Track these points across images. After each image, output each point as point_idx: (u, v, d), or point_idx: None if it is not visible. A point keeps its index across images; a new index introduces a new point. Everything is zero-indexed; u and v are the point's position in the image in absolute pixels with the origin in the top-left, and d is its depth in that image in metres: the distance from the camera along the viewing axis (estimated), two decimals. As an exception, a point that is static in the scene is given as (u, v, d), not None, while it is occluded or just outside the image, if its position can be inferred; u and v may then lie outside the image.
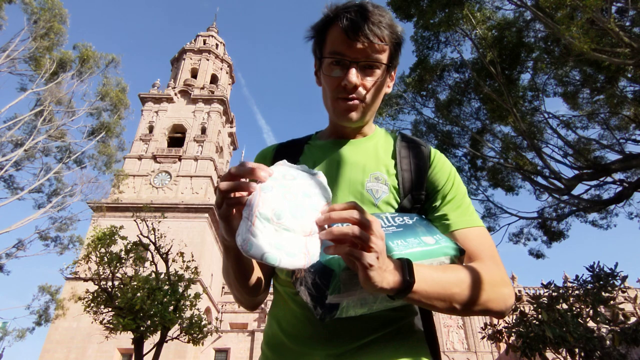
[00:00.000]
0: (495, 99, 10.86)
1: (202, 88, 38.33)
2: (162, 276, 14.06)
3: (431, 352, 0.91)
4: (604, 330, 8.57)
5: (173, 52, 49.51)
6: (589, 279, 8.91)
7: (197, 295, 14.41)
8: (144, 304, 12.50)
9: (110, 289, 13.45)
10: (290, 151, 1.06)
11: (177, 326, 14.01)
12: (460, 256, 0.82)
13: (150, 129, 35.27)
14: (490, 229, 12.77)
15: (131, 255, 14.42)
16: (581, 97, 12.52)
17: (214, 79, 41.16)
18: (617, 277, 8.66)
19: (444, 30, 11.00)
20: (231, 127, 41.92)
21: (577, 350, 8.41)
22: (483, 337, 10.49)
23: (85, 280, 13.73)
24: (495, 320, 16.16)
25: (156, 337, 13.61)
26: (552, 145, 12.55)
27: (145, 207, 17.90)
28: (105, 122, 19.62)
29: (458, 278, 0.76)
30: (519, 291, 27.52)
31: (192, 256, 16.05)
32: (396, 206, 0.94)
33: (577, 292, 9.01)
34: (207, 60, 40.92)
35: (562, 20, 7.97)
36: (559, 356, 9.05)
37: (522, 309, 10.14)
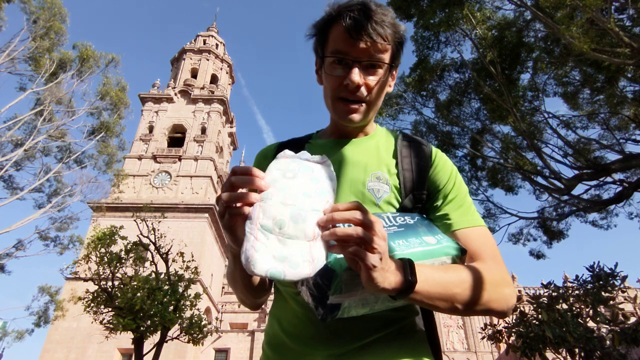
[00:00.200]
0: (496, 99, 10.85)
1: (202, 88, 38.33)
2: (162, 276, 14.06)
3: (433, 352, 0.91)
4: (604, 330, 8.57)
5: (173, 52, 49.55)
6: (589, 279, 8.91)
7: (197, 295, 14.41)
8: (144, 304, 12.50)
9: (110, 289, 13.45)
10: (291, 150, 1.05)
11: (177, 326, 14.01)
12: (462, 256, 0.82)
13: (150, 129, 35.27)
14: (490, 230, 12.63)
15: (131, 255, 14.42)
16: (581, 97, 12.51)
17: (214, 79, 41.16)
18: (617, 277, 8.66)
19: (444, 30, 10.99)
20: (231, 127, 41.92)
21: (577, 350, 8.41)
22: (483, 337, 10.49)
23: (85, 280, 13.73)
24: (495, 320, 16.16)
25: (156, 337, 13.61)
26: (552, 145, 12.55)
27: (145, 207, 17.91)
28: (105, 122, 19.61)
29: (460, 278, 0.76)
30: (519, 291, 27.54)
31: (192, 256, 16.04)
32: (397, 206, 0.93)
33: (577, 292, 9.01)
34: (207, 60, 40.93)
35: (562, 20, 7.97)
36: (559, 356, 9.05)
37: (522, 309, 10.14)
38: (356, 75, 0.87)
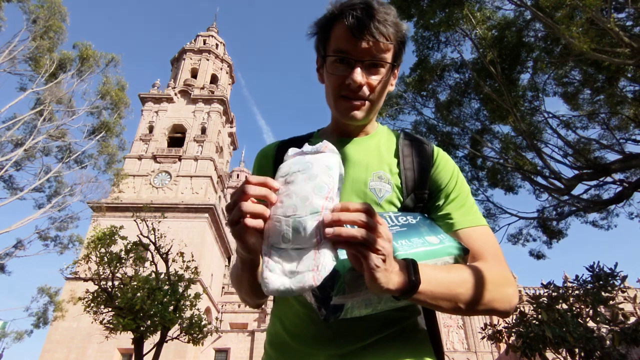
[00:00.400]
0: (496, 99, 10.85)
1: (202, 88, 38.33)
2: (162, 276, 14.06)
3: (435, 352, 0.90)
4: (604, 330, 8.57)
5: (173, 52, 49.56)
6: (589, 279, 8.91)
7: (197, 295, 14.41)
8: (144, 304, 12.50)
9: (110, 289, 13.45)
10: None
11: (177, 326, 14.01)
12: (464, 255, 0.81)
13: (150, 129, 35.27)
14: (490, 230, 12.67)
15: (131, 255, 14.42)
16: (581, 97, 12.51)
17: (214, 79, 41.16)
18: (617, 277, 8.67)
19: (444, 30, 10.99)
20: (231, 127, 41.92)
21: (577, 350, 8.41)
22: (483, 337, 10.50)
23: (85, 280, 13.73)
24: (495, 320, 16.16)
25: (156, 337, 13.61)
26: (552, 145, 12.55)
27: (145, 207, 17.90)
28: (105, 121, 19.61)
29: (462, 278, 0.75)
30: (519, 291, 27.55)
31: (192, 256, 16.05)
32: (399, 205, 0.93)
33: (577, 292, 9.01)
34: (207, 60, 40.93)
35: (562, 20, 7.97)
36: (559, 356, 9.06)
37: (522, 309, 10.15)
38: (358, 75, 0.86)
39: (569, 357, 8.72)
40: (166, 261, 14.57)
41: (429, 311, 0.95)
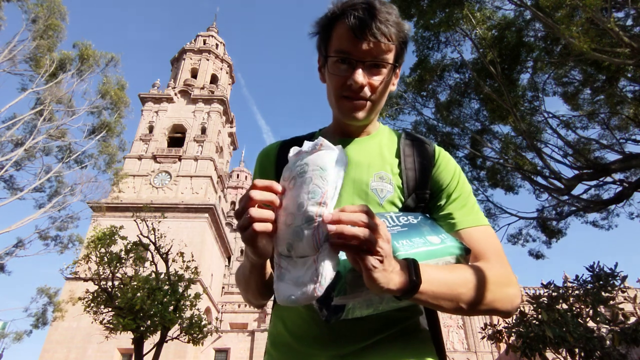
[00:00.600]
0: (496, 99, 10.85)
1: (202, 88, 38.34)
2: (162, 276, 14.06)
3: (437, 351, 0.90)
4: (604, 330, 8.57)
5: (173, 52, 49.55)
6: (589, 279, 8.91)
7: (197, 295, 14.42)
8: (144, 304, 12.51)
9: (110, 289, 13.46)
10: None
11: (177, 326, 14.02)
12: (466, 255, 0.81)
13: (150, 129, 35.28)
14: (490, 230, 12.67)
15: (131, 255, 14.43)
16: (581, 97, 12.50)
17: (214, 79, 41.17)
18: (617, 277, 8.66)
19: (444, 31, 10.98)
20: (231, 127, 41.92)
21: (577, 350, 8.41)
22: (483, 337, 10.49)
23: (85, 280, 13.74)
24: (495, 320, 16.16)
25: (156, 337, 13.61)
26: (552, 145, 12.54)
27: (145, 207, 17.91)
28: (105, 121, 19.61)
29: (464, 278, 0.75)
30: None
31: (192, 256, 16.06)
32: (400, 205, 0.93)
33: (577, 292, 9.01)
34: (207, 60, 40.94)
35: (562, 19, 7.96)
36: (559, 356, 9.06)
37: (522, 309, 10.15)
38: (360, 75, 0.86)
39: (569, 357, 8.72)
40: (166, 261, 14.57)
41: (431, 311, 0.95)
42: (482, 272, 0.78)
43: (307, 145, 0.73)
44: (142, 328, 12.55)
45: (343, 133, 1.03)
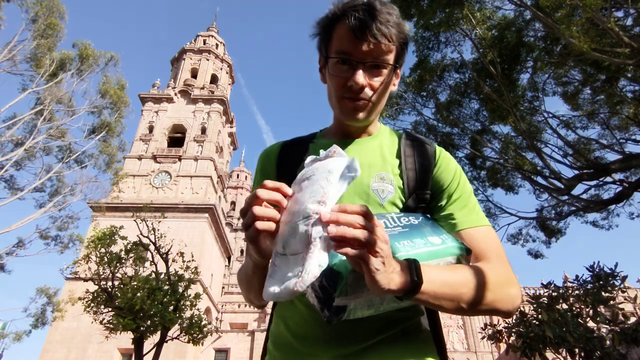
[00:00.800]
0: (496, 99, 10.85)
1: (202, 88, 38.34)
2: (162, 276, 14.07)
3: (438, 352, 0.91)
4: (604, 330, 8.57)
5: (173, 52, 49.58)
6: (589, 279, 8.91)
7: (197, 295, 14.42)
8: (144, 304, 12.51)
9: (110, 289, 13.46)
10: (295, 150, 1.05)
11: (177, 326, 14.02)
12: (467, 256, 0.81)
13: (150, 129, 35.28)
14: (490, 230, 12.66)
15: (131, 255, 14.44)
16: (581, 97, 12.51)
17: (214, 79, 41.17)
18: (617, 277, 8.66)
19: (444, 31, 10.98)
20: (231, 127, 41.92)
21: (577, 350, 8.41)
22: (483, 337, 10.50)
23: (85, 280, 13.74)
24: (495, 320, 16.16)
25: (156, 337, 13.62)
26: (552, 145, 12.54)
27: (145, 207, 17.91)
28: (105, 121, 19.62)
29: (465, 278, 0.76)
30: (519, 291, 27.53)
31: (192, 256, 16.06)
32: (401, 206, 0.93)
33: (577, 292, 9.01)
34: (207, 60, 40.94)
35: (562, 19, 7.96)
36: (559, 356, 9.05)
37: (522, 309, 10.14)
38: (360, 76, 0.86)
39: (569, 357, 8.72)
40: (166, 261, 14.57)
41: (432, 311, 0.95)
42: (483, 273, 0.78)
43: (322, 153, 0.75)
44: (142, 328, 12.55)
45: (344, 134, 1.03)
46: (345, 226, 0.60)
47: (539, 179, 11.82)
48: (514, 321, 9.66)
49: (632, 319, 8.98)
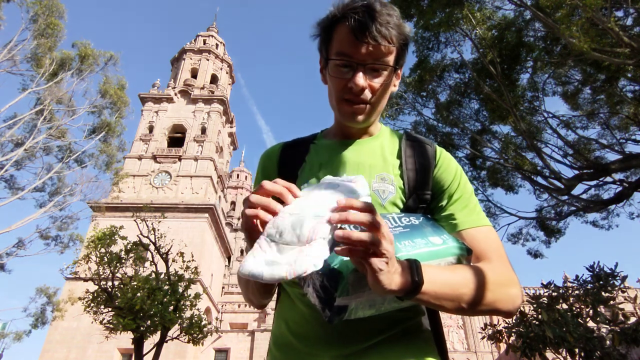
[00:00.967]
0: (496, 99, 10.85)
1: (202, 88, 38.34)
2: (162, 276, 14.07)
3: (439, 352, 0.91)
4: (604, 330, 8.57)
5: (173, 52, 49.57)
6: (589, 279, 8.91)
7: (197, 295, 14.42)
8: (144, 304, 12.51)
9: (110, 289, 13.46)
10: (296, 151, 1.05)
11: (177, 326, 14.02)
12: (468, 256, 0.82)
13: (150, 129, 35.28)
14: (490, 230, 12.66)
15: (131, 255, 14.44)
16: (581, 96, 12.50)
17: (214, 79, 41.17)
18: (617, 277, 8.66)
19: (444, 31, 10.98)
20: (231, 127, 41.92)
21: (577, 350, 8.40)
22: (483, 337, 10.50)
23: (85, 280, 13.74)
24: (495, 320, 16.16)
25: (156, 337, 13.62)
26: (552, 145, 12.54)
27: (145, 207, 17.92)
28: (106, 121, 19.62)
29: (466, 278, 0.76)
30: (519, 291, 27.52)
31: (192, 256, 16.06)
32: (402, 206, 0.93)
33: (577, 292, 9.01)
34: (207, 60, 40.94)
35: (562, 19, 7.97)
36: (559, 356, 9.05)
37: (522, 309, 10.13)
38: (360, 78, 0.86)
39: (569, 357, 8.72)
40: (166, 261, 14.57)
41: (433, 311, 0.96)
42: (483, 273, 0.79)
43: (345, 176, 0.77)
44: (142, 328, 12.55)
45: (344, 134, 1.03)
46: (350, 224, 0.60)
47: (539, 179, 11.83)
48: (514, 321, 9.66)
49: (632, 319, 8.98)
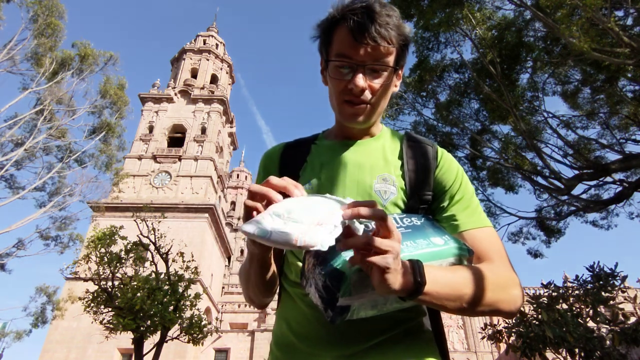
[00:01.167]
0: (496, 99, 10.85)
1: (202, 88, 38.33)
2: (162, 276, 14.06)
3: (440, 352, 0.91)
4: (604, 330, 8.56)
5: (173, 52, 49.55)
6: (589, 279, 8.90)
7: (197, 295, 14.42)
8: (144, 304, 12.51)
9: (110, 289, 13.45)
10: (298, 151, 1.06)
11: (177, 326, 14.01)
12: (469, 257, 0.82)
13: (150, 129, 35.27)
14: (490, 230, 12.68)
15: (131, 255, 14.42)
16: (581, 96, 12.50)
17: (214, 79, 41.15)
18: (617, 277, 8.65)
19: (444, 31, 10.98)
20: (231, 127, 41.91)
21: (577, 350, 8.40)
22: (483, 337, 10.49)
23: (85, 280, 13.73)
24: (495, 320, 16.16)
25: (156, 337, 13.61)
26: (552, 145, 12.54)
27: (145, 207, 17.90)
28: (105, 121, 19.62)
29: (468, 279, 0.76)
30: (519, 291, 27.53)
31: (192, 256, 16.05)
32: (403, 207, 0.93)
33: (577, 292, 9.00)
34: (207, 60, 40.93)
35: (562, 19, 7.97)
36: (559, 356, 9.05)
37: (522, 309, 10.12)
38: (360, 80, 0.86)
39: (569, 357, 8.72)
40: (166, 261, 14.56)
41: (434, 312, 0.96)
42: (485, 274, 0.79)
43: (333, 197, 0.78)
44: (142, 328, 12.55)
45: (346, 136, 1.04)
46: (361, 218, 0.62)
47: (539, 179, 11.83)
48: (514, 321, 9.65)
49: (632, 319, 8.97)
